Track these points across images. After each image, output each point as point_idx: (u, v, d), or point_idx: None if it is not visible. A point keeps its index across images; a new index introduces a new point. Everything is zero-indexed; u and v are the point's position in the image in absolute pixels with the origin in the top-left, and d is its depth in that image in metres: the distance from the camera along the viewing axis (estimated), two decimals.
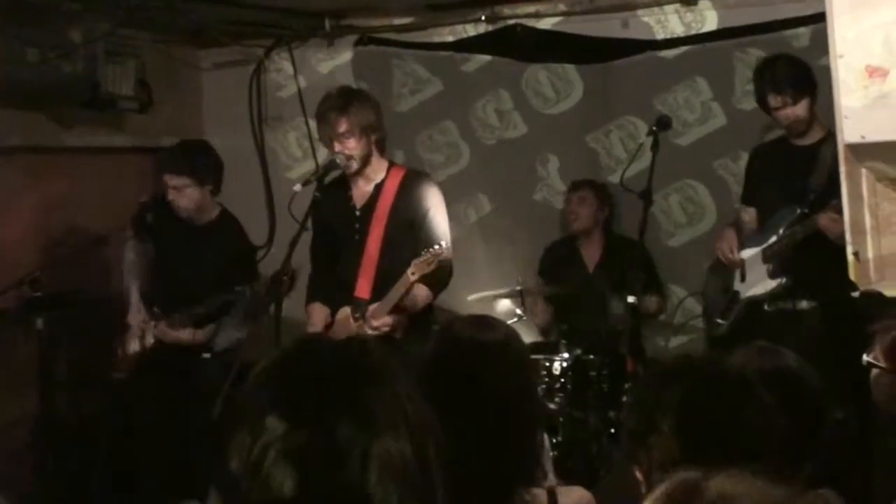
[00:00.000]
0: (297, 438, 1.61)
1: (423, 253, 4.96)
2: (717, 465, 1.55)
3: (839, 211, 5.08)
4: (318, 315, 5.36)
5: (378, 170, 5.30)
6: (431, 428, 1.70)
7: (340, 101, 5.19)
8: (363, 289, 5.21)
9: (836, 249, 5.17)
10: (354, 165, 5.19)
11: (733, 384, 2.42)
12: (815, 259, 5.26)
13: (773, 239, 5.47)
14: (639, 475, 2.39)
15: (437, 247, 4.97)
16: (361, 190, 5.31)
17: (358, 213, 5.29)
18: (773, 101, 5.42)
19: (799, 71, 5.42)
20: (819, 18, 4.09)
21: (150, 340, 5.96)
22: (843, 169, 3.50)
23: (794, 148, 5.52)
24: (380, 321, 5.06)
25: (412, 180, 5.29)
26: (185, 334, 5.82)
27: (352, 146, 5.14)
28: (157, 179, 6.16)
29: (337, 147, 5.15)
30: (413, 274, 4.95)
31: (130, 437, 6.07)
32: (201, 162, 5.96)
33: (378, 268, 5.19)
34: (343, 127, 5.11)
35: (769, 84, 5.44)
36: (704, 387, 2.39)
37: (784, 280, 5.44)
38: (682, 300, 6.47)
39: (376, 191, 5.26)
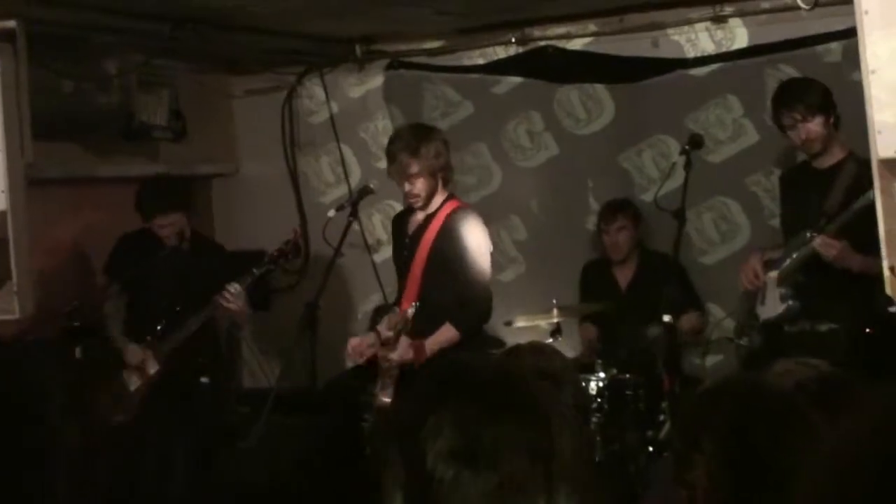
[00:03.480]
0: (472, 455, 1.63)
1: (393, 310, 5.24)
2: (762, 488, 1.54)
3: (842, 232, 5.10)
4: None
5: (437, 200, 5.41)
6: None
7: (412, 143, 5.29)
8: (406, 307, 5.33)
9: (847, 271, 5.18)
10: (420, 202, 5.36)
11: (779, 404, 2.40)
12: (832, 281, 5.26)
13: (787, 262, 5.47)
14: (685, 497, 2.38)
15: (409, 311, 5.14)
16: (418, 217, 5.49)
17: (408, 239, 5.44)
18: (786, 118, 5.43)
19: (813, 90, 5.44)
20: (850, 34, 4.08)
21: (153, 368, 6.04)
22: (877, 184, 3.48)
23: (814, 171, 5.52)
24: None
25: (455, 218, 5.40)
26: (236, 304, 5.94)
27: (419, 186, 5.29)
28: (147, 219, 6.21)
29: (406, 187, 5.30)
30: (389, 330, 5.23)
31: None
32: (185, 194, 6.26)
33: (420, 292, 5.32)
34: (414, 169, 5.23)
35: (782, 101, 5.47)
36: (749, 407, 2.38)
37: (793, 303, 5.42)
38: (720, 320, 6.43)
39: (426, 221, 5.41)
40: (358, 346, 5.38)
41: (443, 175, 5.39)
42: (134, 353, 6.09)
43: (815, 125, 5.36)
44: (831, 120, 5.36)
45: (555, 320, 6.21)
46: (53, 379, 6.02)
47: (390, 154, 5.36)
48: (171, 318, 6.09)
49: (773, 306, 5.51)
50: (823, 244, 5.02)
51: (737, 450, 2.31)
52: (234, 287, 5.92)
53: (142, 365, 6.07)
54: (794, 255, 5.42)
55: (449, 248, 5.31)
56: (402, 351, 5.19)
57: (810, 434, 2.33)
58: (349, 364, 5.45)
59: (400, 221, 5.65)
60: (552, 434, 1.65)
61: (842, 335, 5.34)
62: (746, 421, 2.35)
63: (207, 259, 6.33)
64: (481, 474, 1.61)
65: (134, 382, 6.07)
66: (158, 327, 6.07)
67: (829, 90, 5.40)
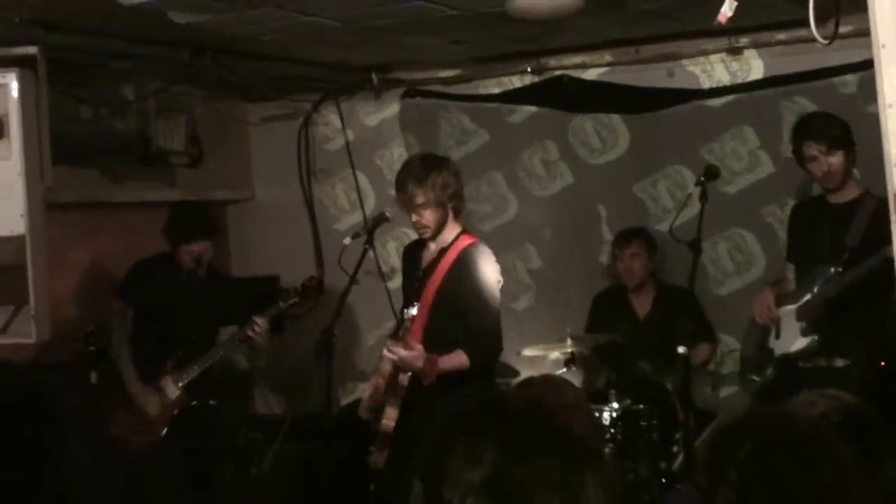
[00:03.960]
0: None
1: (398, 337, 5.15)
2: None
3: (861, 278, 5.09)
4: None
5: (449, 234, 5.37)
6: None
7: (420, 172, 5.24)
8: (416, 335, 5.28)
9: (869, 307, 5.16)
10: (428, 233, 5.29)
11: (806, 435, 2.37)
12: (849, 317, 5.26)
13: (808, 297, 5.45)
14: None
15: (412, 310, 5.13)
16: (431, 250, 5.43)
17: (420, 272, 5.38)
18: (808, 149, 5.43)
19: (836, 124, 5.46)
20: (867, 66, 4.09)
21: (173, 394, 6.09)
22: (893, 218, 3.47)
23: (830, 206, 5.52)
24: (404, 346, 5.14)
25: (467, 255, 5.34)
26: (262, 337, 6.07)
27: (427, 217, 5.22)
28: (175, 244, 6.28)
29: (414, 217, 5.25)
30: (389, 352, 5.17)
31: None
32: (215, 221, 6.43)
33: (427, 324, 5.25)
34: (420, 199, 5.18)
35: (805, 133, 5.48)
36: (776, 438, 2.35)
37: (816, 338, 5.41)
38: (732, 351, 6.42)
39: (439, 255, 5.35)
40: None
41: (453, 206, 5.33)
42: (134, 384, 6.15)
43: (837, 158, 5.38)
44: (851, 156, 5.37)
45: (568, 350, 6.21)
46: (69, 404, 6.03)
47: (399, 183, 5.33)
48: (187, 344, 6.14)
49: (791, 341, 5.50)
50: None
51: (764, 480, 2.30)
52: (262, 320, 5.98)
53: (161, 389, 6.09)
54: (816, 290, 5.41)
55: (460, 285, 5.27)
56: (416, 356, 5.11)
57: (839, 465, 2.31)
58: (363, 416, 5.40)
59: (412, 253, 5.58)
60: (583, 470, 1.65)
61: (856, 370, 5.33)
62: (774, 452, 2.32)
63: (221, 286, 6.40)
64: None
65: (154, 408, 6.09)
66: (179, 353, 6.11)
67: (849, 126, 5.41)
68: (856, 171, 5.47)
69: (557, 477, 1.62)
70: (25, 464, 1.96)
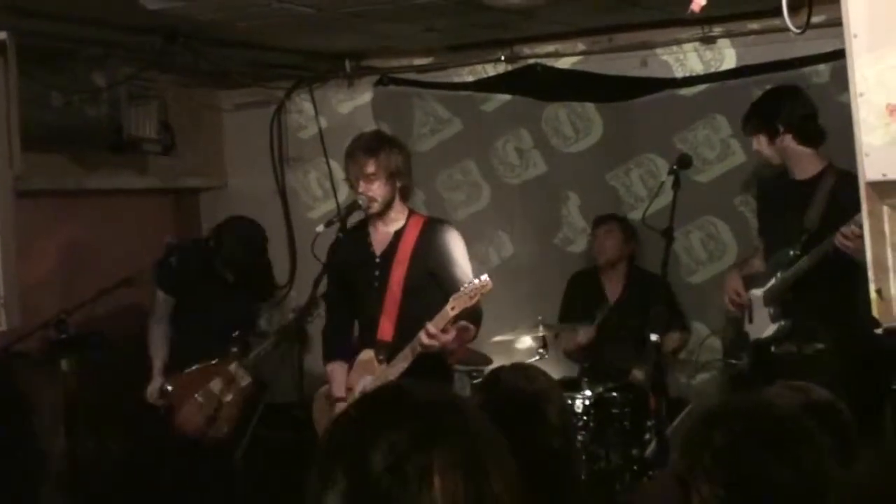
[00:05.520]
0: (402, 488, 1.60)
1: (463, 287, 4.95)
2: None
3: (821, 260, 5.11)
4: (339, 378, 5.31)
5: (399, 216, 5.28)
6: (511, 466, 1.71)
7: (372, 143, 5.20)
8: (386, 331, 5.19)
9: (835, 289, 5.17)
10: (376, 207, 5.17)
11: (787, 425, 2.38)
12: (816, 301, 5.27)
13: (772, 282, 5.47)
14: None
15: (482, 279, 4.96)
16: (381, 235, 5.29)
17: (378, 259, 5.27)
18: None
19: (753, 112, 5.55)
20: (839, 55, 4.11)
21: (244, 381, 6.13)
22: (864, 207, 3.50)
23: (791, 183, 5.50)
24: (436, 329, 4.94)
25: (433, 228, 5.28)
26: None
27: (376, 188, 5.14)
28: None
29: (362, 187, 5.14)
30: (453, 308, 4.92)
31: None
32: (264, 248, 6.51)
33: (401, 311, 5.17)
34: (371, 168, 5.11)
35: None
36: (756, 427, 2.36)
37: (784, 323, 5.42)
38: (705, 338, 6.45)
39: (396, 237, 5.25)
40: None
41: (402, 186, 5.24)
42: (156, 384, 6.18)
43: (760, 144, 5.46)
44: (780, 137, 5.37)
45: (540, 335, 6.23)
46: (41, 393, 6.02)
47: (349, 153, 5.23)
48: (231, 330, 6.21)
49: (762, 326, 5.51)
50: (844, 239, 4.90)
51: (741, 467, 2.30)
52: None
53: (231, 378, 6.10)
54: (779, 275, 5.42)
55: (435, 259, 5.19)
56: (451, 337, 5.01)
57: (817, 453, 2.31)
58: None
59: (348, 246, 5.27)
60: (486, 463, 1.63)
61: (828, 356, 5.35)
62: (752, 439, 2.33)
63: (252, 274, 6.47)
64: (415, 497, 1.59)
65: (227, 395, 6.09)
66: (236, 339, 6.18)
67: (779, 106, 5.43)
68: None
69: (459, 465, 1.61)
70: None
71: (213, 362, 6.14)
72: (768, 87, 6.04)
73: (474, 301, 4.94)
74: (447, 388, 1.82)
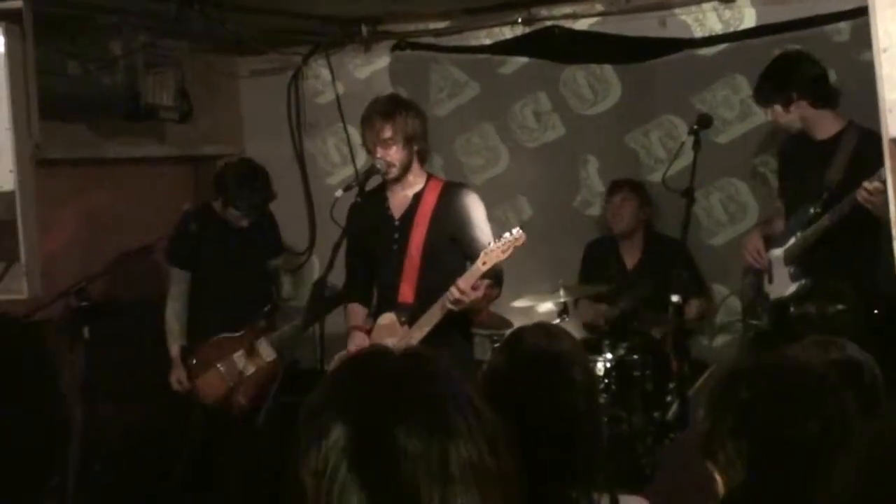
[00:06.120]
0: (366, 451, 1.59)
1: (494, 242, 4.93)
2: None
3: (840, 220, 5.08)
4: (358, 315, 5.38)
5: (417, 180, 5.27)
6: (501, 431, 1.69)
7: (387, 108, 5.17)
8: (407, 294, 5.19)
9: (855, 248, 5.14)
10: (394, 171, 5.16)
11: (812, 382, 2.36)
12: (836, 260, 5.24)
13: (792, 241, 5.44)
14: (715, 475, 2.37)
15: (514, 232, 4.94)
16: (399, 199, 5.29)
17: (397, 222, 5.26)
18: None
19: (764, 81, 5.53)
20: (860, 13, 4.07)
21: (269, 357, 6.12)
22: (887, 164, 3.48)
23: (812, 143, 5.46)
24: (467, 285, 4.92)
25: (452, 191, 5.27)
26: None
27: (393, 153, 5.12)
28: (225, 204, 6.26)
29: (379, 153, 5.13)
30: (484, 263, 4.91)
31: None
32: (270, 189, 6.36)
33: (421, 274, 5.17)
34: (387, 133, 5.10)
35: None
36: (775, 386, 2.34)
37: (805, 282, 5.39)
38: (724, 299, 6.44)
39: (415, 200, 5.23)
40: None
41: (419, 149, 5.22)
42: (177, 372, 6.18)
43: (775, 113, 5.43)
44: (794, 104, 5.34)
45: (561, 300, 6.22)
46: (62, 359, 6.03)
47: (365, 118, 5.21)
48: (249, 300, 6.21)
49: (783, 285, 5.49)
50: (867, 194, 4.85)
51: (765, 424, 2.29)
52: None
53: (255, 351, 6.11)
54: (799, 234, 5.40)
55: (455, 220, 5.18)
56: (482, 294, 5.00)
57: (841, 409, 2.30)
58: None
59: (366, 209, 5.23)
60: (449, 436, 1.61)
61: (849, 316, 5.33)
62: (775, 396, 2.31)
63: (263, 222, 6.42)
64: (368, 471, 1.58)
65: (249, 368, 6.09)
66: (264, 312, 6.16)
67: (789, 72, 5.40)
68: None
69: (424, 432, 1.59)
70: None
71: (239, 333, 6.13)
72: (788, 46, 6.00)
73: (507, 255, 4.93)
74: (431, 350, 1.79)
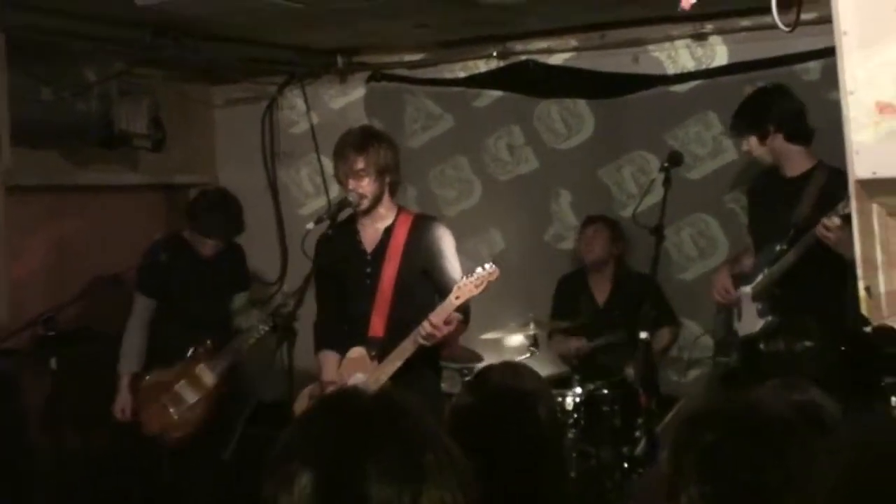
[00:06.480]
0: (334, 499, 1.58)
1: (467, 277, 4.92)
2: None
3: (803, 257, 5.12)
4: (331, 364, 5.28)
5: (388, 213, 5.25)
6: (470, 473, 1.68)
7: (360, 140, 5.16)
8: (377, 328, 5.16)
9: (822, 284, 5.17)
10: (366, 203, 5.15)
11: (772, 424, 2.36)
12: (804, 296, 5.26)
13: (759, 278, 5.46)
14: None
15: (487, 267, 4.95)
16: (370, 232, 5.26)
17: (369, 256, 5.24)
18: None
19: (741, 112, 5.53)
20: (829, 53, 4.09)
21: (211, 381, 6.06)
22: (854, 205, 3.50)
23: (782, 180, 5.48)
24: (439, 320, 4.90)
25: (423, 225, 5.25)
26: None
27: (365, 185, 5.11)
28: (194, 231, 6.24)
29: (351, 184, 5.11)
30: (457, 298, 4.90)
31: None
32: (240, 217, 6.32)
33: (392, 307, 5.15)
34: (360, 165, 5.08)
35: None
36: (740, 428, 2.33)
37: (773, 319, 5.41)
38: (696, 338, 6.45)
39: (386, 234, 5.22)
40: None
41: (390, 181, 5.21)
42: (122, 400, 6.11)
43: (750, 145, 5.45)
44: (770, 137, 5.37)
45: (532, 333, 6.22)
46: (29, 390, 5.99)
47: (337, 150, 5.18)
48: (207, 326, 6.15)
49: (751, 322, 5.50)
50: (823, 233, 4.92)
51: (729, 467, 2.28)
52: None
53: (198, 378, 6.06)
54: (766, 270, 5.42)
55: (426, 253, 5.16)
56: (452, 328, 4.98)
57: (805, 453, 2.29)
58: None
59: (337, 242, 5.14)
60: (421, 481, 1.60)
61: (817, 353, 5.33)
62: (740, 438, 2.31)
63: (230, 255, 6.39)
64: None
65: (191, 396, 6.05)
66: (207, 341, 6.09)
67: (769, 106, 5.42)
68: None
69: (394, 473, 1.59)
70: None
71: (180, 364, 6.08)
72: (760, 84, 6.03)
73: (480, 290, 4.92)
74: (404, 392, 1.77)
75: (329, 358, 5.30)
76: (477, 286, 4.91)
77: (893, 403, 3.17)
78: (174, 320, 6.20)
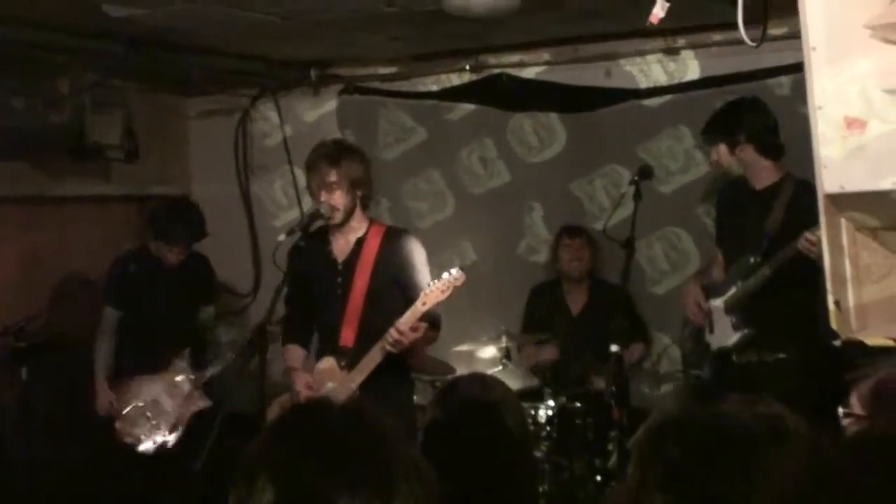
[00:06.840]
0: None
1: (434, 281, 4.96)
2: None
3: (777, 271, 5.15)
4: (296, 356, 5.38)
5: (359, 225, 5.27)
6: (437, 488, 1.68)
7: (333, 152, 5.19)
8: (348, 337, 5.19)
9: (796, 297, 5.21)
10: (338, 216, 5.17)
11: (738, 440, 2.36)
12: (777, 309, 5.29)
13: (732, 290, 5.48)
14: None
15: (453, 272, 4.97)
16: (342, 244, 5.29)
17: (340, 266, 5.26)
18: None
19: (713, 120, 5.57)
20: (800, 68, 4.12)
21: (203, 402, 6.12)
22: (822, 219, 3.51)
23: (750, 192, 5.51)
24: (406, 326, 4.95)
25: (394, 237, 5.29)
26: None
27: (337, 197, 5.13)
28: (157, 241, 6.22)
29: (323, 196, 5.13)
30: (424, 304, 4.93)
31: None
32: (202, 225, 6.35)
33: (362, 318, 5.17)
34: (332, 177, 5.11)
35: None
36: (704, 442, 2.34)
37: (747, 332, 5.43)
38: (665, 349, 6.48)
39: (358, 245, 5.25)
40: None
41: (362, 195, 5.24)
42: (105, 396, 6.11)
43: (719, 153, 5.47)
44: (740, 146, 5.40)
45: (504, 345, 6.23)
46: (1, 400, 5.97)
47: (310, 163, 5.22)
48: (175, 337, 6.19)
49: (725, 335, 5.52)
50: (808, 243, 4.96)
51: (693, 482, 2.29)
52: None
53: (175, 387, 6.08)
54: (740, 283, 5.44)
55: (394, 267, 5.21)
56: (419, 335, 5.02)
57: (771, 469, 2.30)
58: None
59: (309, 253, 5.22)
60: (392, 489, 1.60)
61: (789, 366, 5.37)
62: (704, 453, 2.31)
63: (196, 266, 6.43)
64: None
65: (169, 405, 6.07)
66: (182, 349, 6.13)
67: (742, 116, 5.45)
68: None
69: (364, 494, 1.58)
70: None
71: (159, 372, 6.11)
72: (731, 98, 6.07)
73: (446, 295, 4.95)
74: (373, 405, 1.77)
75: (294, 350, 5.40)
76: (443, 291, 4.94)
77: (840, 414, 3.18)
78: (136, 331, 6.20)
